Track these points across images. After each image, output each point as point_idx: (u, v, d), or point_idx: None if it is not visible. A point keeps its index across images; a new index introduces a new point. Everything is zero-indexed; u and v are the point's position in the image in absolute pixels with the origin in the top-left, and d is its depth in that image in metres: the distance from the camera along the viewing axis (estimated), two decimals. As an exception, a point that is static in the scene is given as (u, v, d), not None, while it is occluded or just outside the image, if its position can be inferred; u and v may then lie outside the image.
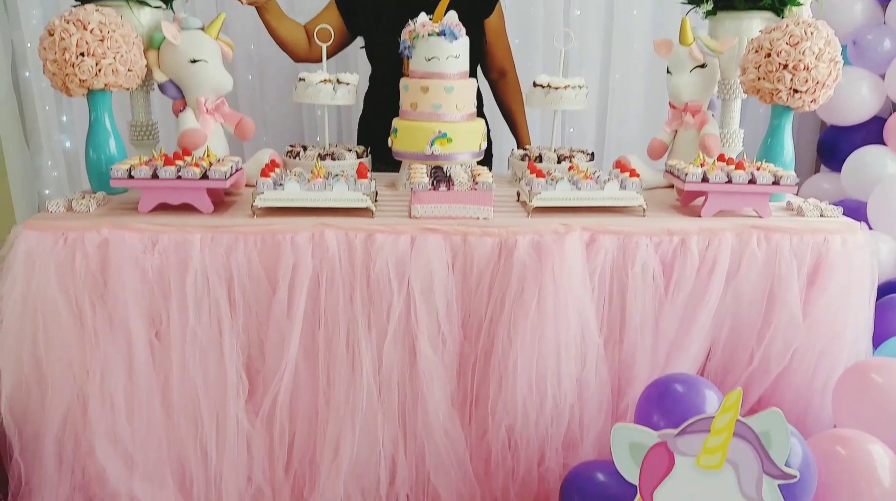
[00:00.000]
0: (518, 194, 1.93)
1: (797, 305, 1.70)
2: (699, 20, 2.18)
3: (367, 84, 2.57)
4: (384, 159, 2.18)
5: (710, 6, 2.07)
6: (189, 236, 1.61)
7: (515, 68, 2.66)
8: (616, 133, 3.28)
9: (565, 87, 2.08)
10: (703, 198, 1.78)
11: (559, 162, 2.07)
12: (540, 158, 2.10)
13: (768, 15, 2.04)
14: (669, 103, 2.09)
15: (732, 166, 1.77)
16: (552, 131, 2.19)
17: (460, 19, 2.00)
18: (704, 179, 1.73)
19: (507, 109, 2.67)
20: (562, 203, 1.75)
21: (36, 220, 1.62)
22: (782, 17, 2.02)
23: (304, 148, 2.09)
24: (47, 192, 3.10)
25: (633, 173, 1.78)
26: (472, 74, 2.44)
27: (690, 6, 2.18)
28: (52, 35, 1.68)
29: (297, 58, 2.45)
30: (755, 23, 2.04)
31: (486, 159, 2.56)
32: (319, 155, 2.01)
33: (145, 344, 1.63)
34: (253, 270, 1.63)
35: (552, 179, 1.77)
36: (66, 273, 1.59)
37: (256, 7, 2.25)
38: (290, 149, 2.08)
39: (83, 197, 1.73)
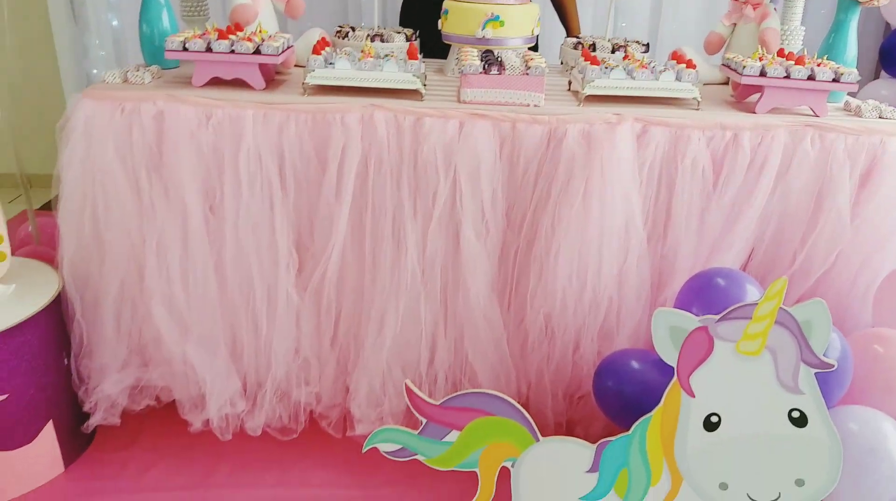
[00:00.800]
0: (569, 83, 1.90)
1: (846, 207, 1.69)
2: None
3: None
4: (426, 47, 2.15)
5: None
6: (242, 112, 1.63)
7: None
8: (670, 27, 3.16)
9: (624, -26, 2.01)
10: (758, 94, 1.74)
11: (613, 52, 2.03)
12: (593, 47, 2.05)
13: None
14: (731, -5, 2.01)
15: (792, 62, 1.71)
16: (607, 20, 2.13)
17: None
18: (762, 74, 1.69)
19: None
20: (615, 92, 1.72)
21: (95, 89, 1.65)
22: None
23: (353, 28, 2.06)
24: (95, 71, 3.12)
25: (689, 65, 1.74)
26: None
27: None
28: None
29: None
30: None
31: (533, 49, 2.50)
32: (368, 36, 1.99)
33: (200, 217, 1.68)
34: (304, 148, 1.66)
35: (606, 67, 1.74)
36: (123, 144, 1.63)
37: None
38: (339, 29, 2.06)
39: (138, 69, 1.75)
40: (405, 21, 2.48)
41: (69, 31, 3.04)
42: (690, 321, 1.37)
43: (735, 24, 2.01)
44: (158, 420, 1.92)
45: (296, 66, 1.93)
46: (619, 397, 1.60)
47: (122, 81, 1.71)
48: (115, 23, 3.07)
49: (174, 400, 1.88)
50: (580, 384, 1.83)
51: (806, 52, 1.82)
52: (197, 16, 2.05)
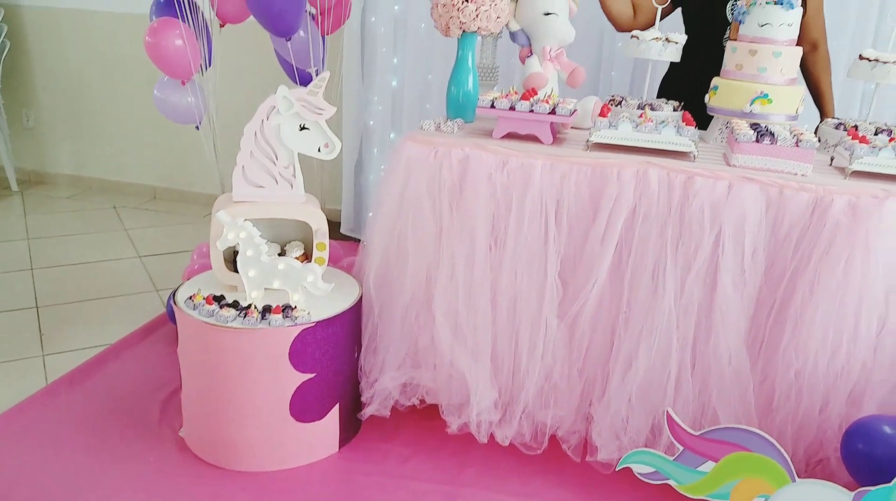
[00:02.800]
0: (831, 160, 2.00)
1: None
2: None
3: None
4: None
5: None
6: (533, 161, 1.91)
7: (827, 42, 2.67)
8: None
9: (894, 61, 2.09)
10: None
11: (876, 133, 2.10)
12: (856, 128, 2.14)
13: None
14: None
15: None
16: (871, 104, 2.21)
17: None
18: None
19: (815, 80, 2.69)
20: (883, 170, 1.81)
21: (415, 135, 2.02)
22: None
23: (624, 98, 2.31)
24: (371, 123, 3.65)
25: (966, 149, 1.79)
26: None
27: None
28: (446, -17, 2.05)
29: (620, 28, 2.66)
30: None
31: None
32: (639, 105, 2.23)
33: (485, 245, 1.98)
34: (580, 196, 1.90)
35: (874, 146, 1.83)
36: (433, 180, 1.98)
37: None
38: (612, 98, 2.32)
39: (447, 122, 2.11)
40: (664, 93, 2.70)
41: (356, 88, 3.61)
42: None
43: None
44: (418, 419, 2.22)
45: (571, 128, 2.20)
46: (868, 459, 1.64)
47: (435, 129, 2.07)
48: (394, 83, 3.59)
49: (433, 404, 2.16)
50: (821, 446, 1.87)
51: None
52: (489, 80, 2.41)
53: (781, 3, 2.02)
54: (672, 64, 2.74)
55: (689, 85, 2.40)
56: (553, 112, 1.96)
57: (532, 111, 1.97)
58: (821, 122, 2.33)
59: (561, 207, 1.92)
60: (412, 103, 3.56)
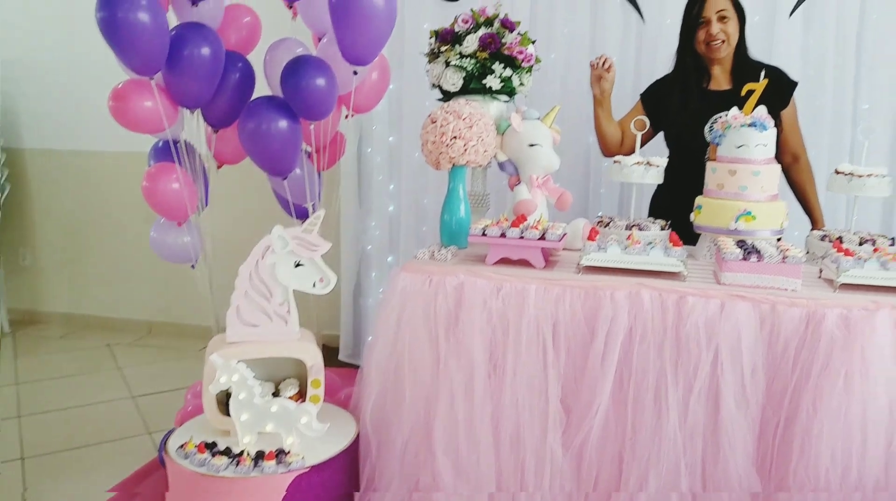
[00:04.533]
0: (820, 271, 2.04)
1: None
2: None
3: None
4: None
5: None
6: (527, 286, 1.94)
7: (807, 153, 2.79)
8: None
9: (868, 175, 2.17)
10: None
11: (860, 244, 2.14)
12: (840, 240, 2.19)
13: None
14: None
15: None
16: (852, 216, 2.27)
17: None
18: None
19: (801, 191, 2.79)
20: (869, 281, 1.84)
21: (410, 265, 2.06)
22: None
23: (612, 218, 2.38)
24: (369, 247, 3.72)
25: (951, 257, 1.83)
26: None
27: None
28: (434, 122, 2.15)
29: (609, 152, 2.80)
30: None
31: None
32: (627, 225, 2.28)
33: (484, 372, 1.96)
34: (576, 318, 1.91)
35: (859, 258, 1.87)
36: (429, 308, 1.99)
37: (594, 97, 2.68)
38: (600, 219, 2.38)
39: (440, 249, 2.15)
40: (654, 210, 2.78)
41: (354, 213, 3.70)
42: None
43: None
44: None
45: (564, 250, 2.25)
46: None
47: (429, 257, 2.11)
48: (391, 208, 3.69)
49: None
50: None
51: None
52: (481, 207, 2.48)
53: (755, 125, 2.11)
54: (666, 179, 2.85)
55: (677, 202, 2.47)
56: (543, 237, 2.01)
57: (522, 237, 2.01)
58: (811, 231, 2.38)
59: (558, 329, 1.93)
60: (409, 227, 3.64)
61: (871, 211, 3.25)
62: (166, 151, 2.59)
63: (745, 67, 2.70)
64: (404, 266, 2.06)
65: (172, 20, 2.47)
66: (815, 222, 2.76)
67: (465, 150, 2.13)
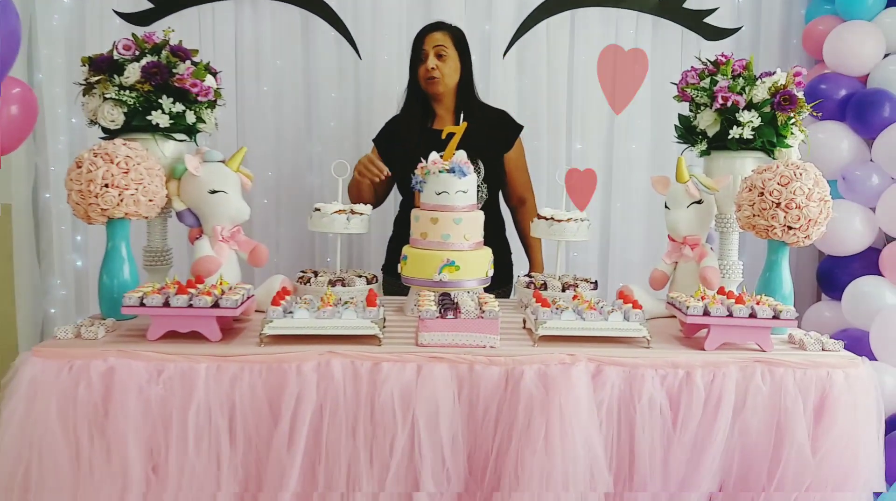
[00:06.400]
0: (524, 321, 1.95)
1: (806, 440, 1.69)
2: (694, 158, 2.29)
3: (397, 209, 2.79)
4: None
5: (703, 146, 2.17)
6: (195, 366, 1.62)
7: (535, 196, 2.79)
8: (619, 257, 3.36)
9: (568, 219, 2.15)
10: (705, 330, 1.80)
11: (563, 290, 2.11)
12: (545, 286, 2.14)
13: (759, 155, 2.14)
14: (668, 236, 2.15)
15: (732, 300, 1.80)
16: (556, 260, 2.24)
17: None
18: (706, 313, 1.76)
19: (524, 234, 2.77)
20: (567, 332, 1.77)
21: (44, 347, 1.64)
22: (773, 158, 2.12)
23: (315, 274, 2.13)
24: (53, 310, 3.13)
25: (635, 305, 1.81)
26: (494, 199, 2.61)
27: (686, 145, 2.29)
28: (79, 167, 1.76)
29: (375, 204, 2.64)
30: (748, 162, 2.13)
31: (507, 281, 2.63)
32: (330, 281, 2.05)
33: (141, 478, 1.59)
34: (256, 400, 1.63)
35: (557, 308, 1.80)
36: (67, 403, 1.58)
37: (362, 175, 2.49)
38: (301, 275, 2.12)
39: (92, 323, 1.75)
40: (391, 255, 2.61)
41: (30, 269, 3.08)
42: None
43: (676, 263, 2.13)
44: None
45: (257, 311, 1.95)
46: None
47: (74, 336, 1.70)
48: (79, 263, 3.14)
49: None
50: None
51: (745, 289, 1.92)
52: (160, 264, 2.11)
53: (454, 171, 1.99)
54: (395, 225, 2.69)
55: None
56: (217, 305, 1.69)
57: (191, 306, 1.68)
58: (517, 279, 2.32)
59: (235, 416, 1.63)
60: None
61: (590, 250, 3.39)
62: None
63: (469, 107, 2.64)
64: (35, 349, 1.63)
65: None
66: (534, 266, 2.76)
67: (121, 200, 1.77)
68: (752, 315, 1.75)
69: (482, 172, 2.60)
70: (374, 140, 2.74)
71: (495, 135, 2.66)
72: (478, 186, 2.55)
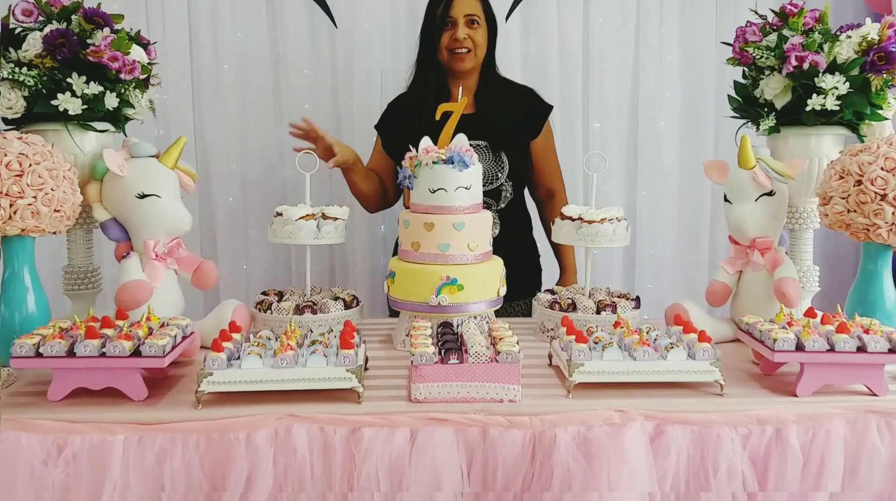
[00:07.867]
0: (550, 357, 1.51)
1: None
2: (755, 136, 1.82)
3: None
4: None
5: (772, 122, 1.71)
6: (109, 438, 1.20)
7: (565, 188, 2.34)
8: (647, 255, 2.89)
9: (601, 220, 1.69)
10: (792, 363, 1.35)
11: (598, 312, 1.65)
12: (573, 306, 1.68)
13: (841, 131, 1.69)
14: (730, 238, 1.71)
15: (831, 327, 1.35)
16: (585, 271, 1.79)
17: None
18: (799, 347, 1.31)
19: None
20: (612, 378, 1.32)
21: None
22: (859, 134, 1.67)
23: (281, 295, 1.68)
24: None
25: (702, 336, 1.36)
26: (520, 197, 2.25)
27: (743, 120, 1.83)
28: (-48, 171, 1.31)
29: (373, 208, 2.34)
30: (825, 140, 1.69)
31: (535, 289, 2.15)
32: (297, 306, 1.60)
33: None
34: (193, 482, 1.21)
35: (595, 342, 1.36)
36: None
37: (342, 168, 2.12)
38: (261, 299, 1.66)
39: (-17, 376, 1.32)
40: None
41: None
42: None
43: (741, 272, 1.68)
44: None
45: (202, 347, 1.51)
46: None
47: (-48, 395, 1.27)
48: None
49: None
50: None
51: (841, 309, 1.47)
52: (85, 288, 1.67)
53: (452, 162, 1.54)
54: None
55: None
56: (138, 353, 1.25)
57: (104, 355, 1.24)
58: (542, 291, 1.86)
59: (161, 504, 1.20)
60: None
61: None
62: None
63: (492, 85, 2.19)
64: None
65: None
66: (565, 271, 2.32)
67: (14, 212, 1.32)
68: (861, 349, 1.30)
69: (506, 167, 2.14)
70: (376, 127, 2.29)
71: (521, 119, 2.21)
72: (501, 184, 2.12)
